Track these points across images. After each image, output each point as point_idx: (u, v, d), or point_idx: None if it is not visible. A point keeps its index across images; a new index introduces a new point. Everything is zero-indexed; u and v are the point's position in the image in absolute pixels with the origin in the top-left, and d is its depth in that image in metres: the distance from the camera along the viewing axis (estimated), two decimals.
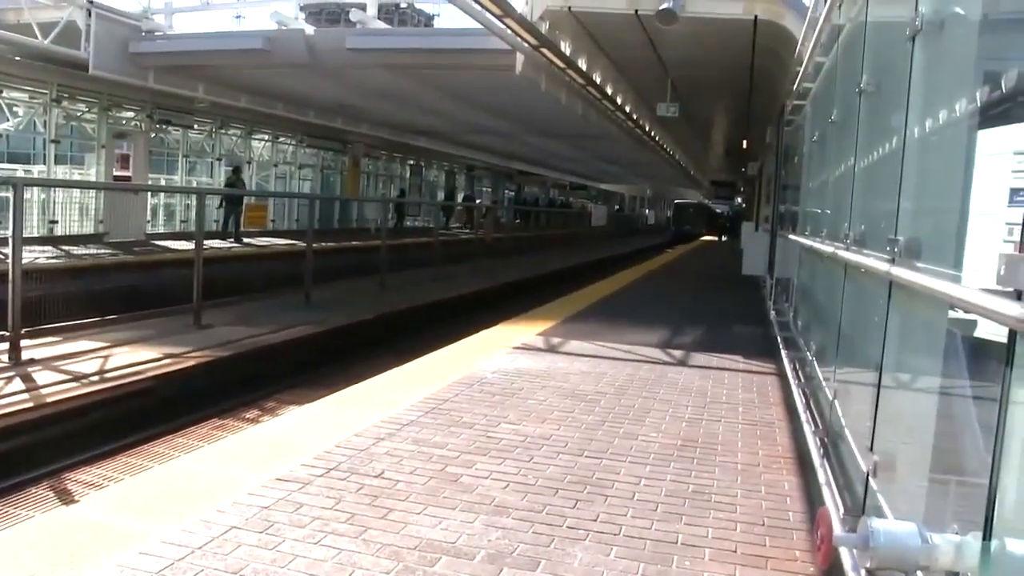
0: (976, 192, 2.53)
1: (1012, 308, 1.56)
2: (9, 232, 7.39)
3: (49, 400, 6.48)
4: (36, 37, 15.35)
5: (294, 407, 6.67)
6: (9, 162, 23.99)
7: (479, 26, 11.99)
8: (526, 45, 12.41)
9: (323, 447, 4.68)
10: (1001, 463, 1.68)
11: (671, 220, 65.21)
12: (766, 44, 12.39)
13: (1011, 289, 1.60)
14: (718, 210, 63.13)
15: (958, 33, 2.64)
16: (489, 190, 49.98)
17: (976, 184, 2.52)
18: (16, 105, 18.75)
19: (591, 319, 10.90)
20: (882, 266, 2.96)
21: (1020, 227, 1.84)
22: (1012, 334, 1.63)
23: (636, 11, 11.87)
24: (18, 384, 6.76)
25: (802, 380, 6.16)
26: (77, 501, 4.84)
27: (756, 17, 11.47)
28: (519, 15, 11.25)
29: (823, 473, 3.88)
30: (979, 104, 2.36)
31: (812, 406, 5.30)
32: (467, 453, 4.75)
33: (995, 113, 2.40)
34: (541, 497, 4.07)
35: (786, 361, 7.48)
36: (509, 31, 11.64)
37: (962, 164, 2.56)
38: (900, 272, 2.70)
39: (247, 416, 7.91)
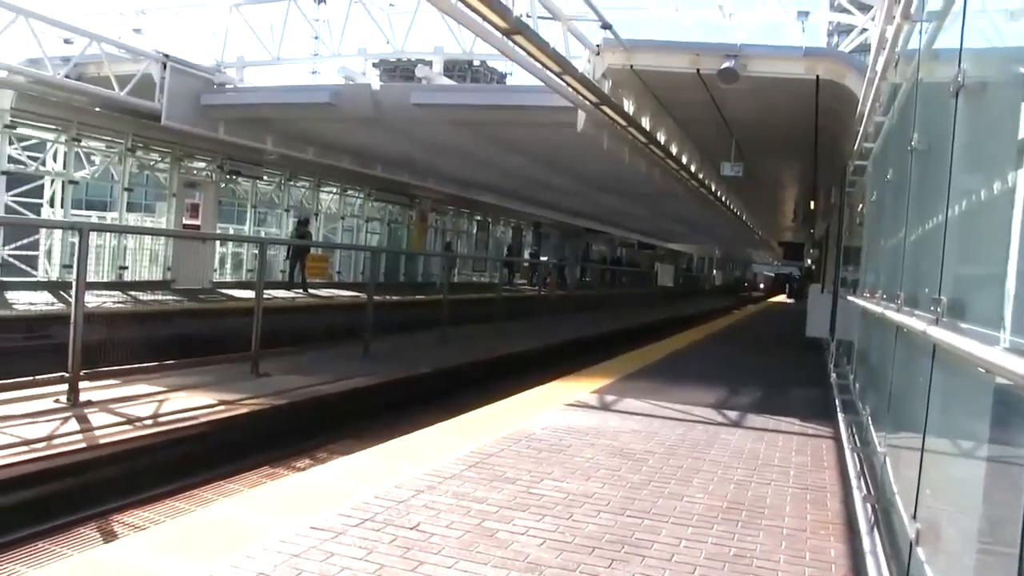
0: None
1: None
2: (73, 276, 7.57)
3: (102, 442, 6.58)
4: (114, 89, 16.01)
5: (343, 457, 6.68)
6: (87, 208, 24.91)
7: (542, 83, 12.10)
8: (587, 103, 12.49)
9: (361, 497, 4.67)
10: None
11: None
12: (829, 104, 12.30)
13: None
14: (789, 273, 76.75)
15: (1003, 91, 2.59)
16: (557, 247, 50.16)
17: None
18: (94, 154, 19.48)
19: (648, 378, 10.77)
20: (923, 326, 2.88)
21: None
22: None
23: (698, 70, 11.90)
24: (73, 425, 6.88)
25: (857, 444, 5.99)
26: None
27: (818, 76, 11.40)
28: (580, 74, 11.35)
29: (868, 541, 3.75)
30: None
31: (865, 471, 5.15)
32: (506, 508, 4.69)
33: None
34: (576, 555, 4.00)
35: (842, 424, 7.29)
36: (570, 89, 11.73)
37: (1007, 223, 2.48)
38: (938, 333, 2.61)
39: (298, 465, 7.94)
